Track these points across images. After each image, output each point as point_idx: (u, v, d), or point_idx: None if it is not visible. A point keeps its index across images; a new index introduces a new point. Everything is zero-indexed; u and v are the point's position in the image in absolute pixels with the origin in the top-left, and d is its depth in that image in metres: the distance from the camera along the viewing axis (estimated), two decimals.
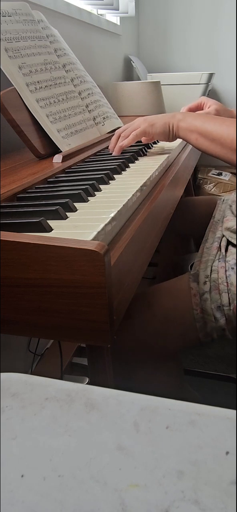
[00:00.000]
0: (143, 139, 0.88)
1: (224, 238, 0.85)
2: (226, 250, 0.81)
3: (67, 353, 1.18)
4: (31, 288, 0.40)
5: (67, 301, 0.40)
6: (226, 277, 0.73)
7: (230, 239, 0.82)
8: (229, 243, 0.83)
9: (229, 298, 0.71)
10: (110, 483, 0.23)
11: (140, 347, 0.77)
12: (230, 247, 0.82)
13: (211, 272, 0.75)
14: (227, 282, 0.73)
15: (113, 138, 0.87)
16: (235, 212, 0.91)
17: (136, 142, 0.89)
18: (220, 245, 0.83)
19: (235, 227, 0.83)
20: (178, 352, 0.87)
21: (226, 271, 0.74)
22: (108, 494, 0.22)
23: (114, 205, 0.51)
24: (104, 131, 1.05)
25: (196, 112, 0.92)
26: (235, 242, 0.81)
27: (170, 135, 0.82)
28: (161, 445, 0.25)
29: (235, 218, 0.88)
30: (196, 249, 1.35)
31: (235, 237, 0.82)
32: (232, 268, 0.74)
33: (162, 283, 0.83)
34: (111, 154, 0.87)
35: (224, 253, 0.80)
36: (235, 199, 1.04)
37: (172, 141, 0.84)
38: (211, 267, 0.76)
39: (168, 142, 1.00)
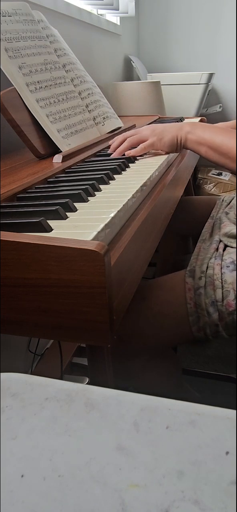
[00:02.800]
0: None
1: (222, 242, 0.86)
2: (224, 250, 0.82)
3: (67, 353, 1.18)
4: (31, 288, 0.40)
5: (67, 301, 0.40)
6: (221, 274, 0.74)
7: (228, 243, 0.83)
8: (226, 246, 0.84)
9: (222, 294, 0.72)
10: (110, 483, 0.23)
11: (134, 339, 0.78)
12: (227, 248, 0.83)
13: (207, 269, 0.77)
14: (221, 279, 0.74)
15: (119, 139, 0.86)
16: (231, 219, 0.92)
17: None
18: (218, 246, 0.84)
19: (232, 231, 0.84)
20: (172, 347, 0.88)
21: (221, 268, 0.75)
22: (108, 494, 0.22)
23: (114, 205, 0.51)
24: (104, 131, 1.05)
25: (204, 123, 0.92)
26: (232, 246, 0.82)
27: (178, 148, 0.83)
28: (161, 445, 0.25)
29: (232, 224, 0.89)
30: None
31: (233, 241, 0.83)
32: (228, 267, 0.75)
33: (159, 277, 0.84)
34: (111, 154, 0.87)
35: (221, 252, 0.81)
36: (232, 205, 1.05)
37: (179, 152, 0.85)
38: (207, 263, 0.78)
39: None
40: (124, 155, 0.84)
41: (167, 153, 0.84)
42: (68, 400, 0.29)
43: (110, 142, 0.90)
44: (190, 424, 0.26)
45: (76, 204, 0.53)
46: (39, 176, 0.68)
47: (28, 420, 0.27)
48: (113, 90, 1.66)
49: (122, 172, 0.73)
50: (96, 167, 0.76)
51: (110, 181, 0.66)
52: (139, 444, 0.25)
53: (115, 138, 0.88)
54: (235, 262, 0.76)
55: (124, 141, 0.85)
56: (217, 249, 0.83)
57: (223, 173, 2.33)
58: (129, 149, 0.84)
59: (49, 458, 0.25)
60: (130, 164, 0.78)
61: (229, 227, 0.87)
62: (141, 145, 0.83)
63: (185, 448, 0.24)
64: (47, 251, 0.39)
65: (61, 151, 0.84)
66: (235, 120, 1.05)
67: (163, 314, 0.77)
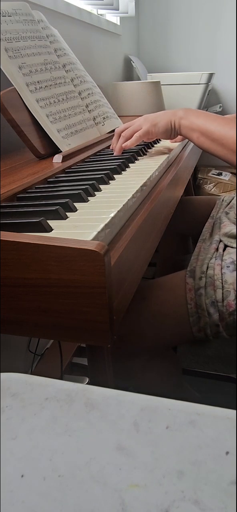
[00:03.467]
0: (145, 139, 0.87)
1: (222, 242, 0.85)
2: (224, 250, 0.82)
3: (67, 353, 1.18)
4: (31, 288, 0.40)
5: (67, 301, 0.40)
6: (222, 275, 0.74)
7: (228, 243, 0.83)
8: (226, 246, 0.84)
9: (223, 294, 0.72)
10: (110, 483, 0.23)
11: (134, 338, 0.78)
12: (228, 248, 0.83)
13: (207, 269, 0.77)
14: (222, 280, 0.74)
15: (114, 138, 0.87)
16: (231, 219, 0.92)
17: None
18: (218, 246, 0.84)
19: (232, 231, 0.84)
20: (172, 347, 0.88)
21: (222, 268, 0.75)
22: (108, 494, 0.22)
23: (114, 205, 0.51)
24: (104, 131, 1.05)
25: (200, 110, 0.92)
26: (232, 246, 0.82)
27: (172, 133, 0.82)
28: (161, 445, 0.25)
29: (232, 224, 0.89)
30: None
31: (233, 241, 0.83)
32: (228, 267, 0.75)
33: (159, 278, 0.84)
34: (111, 154, 0.87)
35: (221, 253, 0.81)
36: (232, 205, 1.05)
37: (174, 138, 0.84)
38: (208, 264, 0.78)
39: (168, 141, 1.00)
40: (124, 152, 0.84)
41: (162, 138, 0.83)
42: (68, 400, 0.29)
43: (111, 147, 0.90)
44: (190, 424, 0.26)
45: (76, 204, 0.53)
46: (39, 176, 0.68)
47: (28, 420, 0.27)
48: (113, 90, 1.65)
49: (122, 172, 0.73)
50: (96, 167, 0.76)
51: (110, 181, 0.66)
52: (139, 444, 0.25)
53: (112, 139, 0.89)
54: (235, 262, 0.76)
55: (118, 138, 0.85)
56: (217, 249, 0.83)
57: (223, 173, 2.33)
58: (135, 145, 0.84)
59: (49, 458, 0.25)
60: (130, 164, 0.78)
61: (229, 227, 0.87)
62: (135, 134, 0.82)
63: (185, 448, 0.24)
64: (47, 251, 0.39)
65: (61, 151, 0.84)
66: (235, 114, 1.05)
67: (163, 314, 0.77)
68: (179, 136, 0.85)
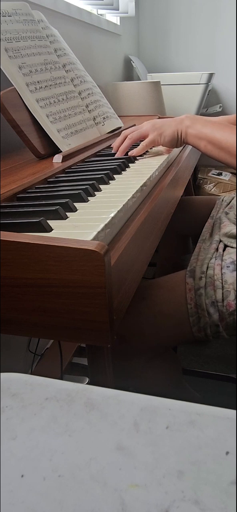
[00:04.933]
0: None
1: (222, 242, 0.86)
2: (224, 250, 0.82)
3: (67, 353, 1.18)
4: (31, 288, 0.40)
5: (67, 301, 0.40)
6: (222, 275, 0.74)
7: (228, 243, 0.83)
8: (226, 246, 0.84)
9: (223, 294, 0.72)
10: (110, 483, 0.23)
11: (134, 338, 0.78)
12: (227, 248, 0.83)
13: (207, 269, 0.77)
14: (222, 280, 0.74)
15: (119, 138, 0.87)
16: (231, 219, 0.92)
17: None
18: (217, 246, 0.84)
19: (232, 231, 0.84)
20: (172, 347, 0.88)
21: (222, 268, 0.75)
22: (108, 494, 0.22)
23: (114, 205, 0.51)
24: (104, 131, 1.05)
25: (205, 117, 0.92)
26: (232, 246, 0.82)
27: (178, 142, 0.82)
28: (161, 445, 0.25)
29: (232, 224, 0.89)
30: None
31: (233, 241, 0.83)
32: (228, 267, 0.75)
33: (159, 278, 0.84)
34: (111, 154, 0.87)
35: (221, 253, 0.81)
36: (232, 205, 1.05)
37: (180, 146, 0.84)
38: (208, 264, 0.78)
39: None
40: (126, 153, 0.84)
41: (168, 148, 0.84)
42: (68, 400, 0.29)
43: (112, 145, 0.90)
44: (190, 424, 0.26)
45: (76, 204, 0.53)
46: (39, 176, 0.68)
47: (28, 420, 0.27)
48: (113, 90, 1.65)
49: (122, 172, 0.73)
50: (96, 167, 0.76)
51: (110, 181, 0.66)
52: (139, 444, 0.25)
53: (116, 139, 0.89)
54: (235, 262, 0.76)
55: (124, 139, 0.85)
56: (217, 249, 0.83)
57: (223, 173, 2.33)
58: (131, 146, 0.84)
59: (49, 458, 0.25)
60: (130, 164, 0.78)
61: (229, 227, 0.87)
62: (142, 144, 0.83)
63: (185, 448, 0.24)
64: (47, 251, 0.39)
65: (61, 151, 0.84)
66: (236, 115, 1.05)
67: (163, 314, 0.77)
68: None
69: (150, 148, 0.94)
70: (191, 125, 0.79)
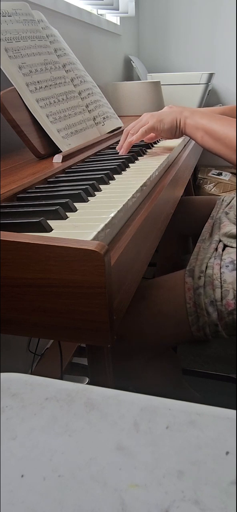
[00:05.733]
0: (150, 136, 0.87)
1: (221, 242, 0.86)
2: (223, 250, 0.82)
3: (67, 353, 1.18)
4: (31, 288, 0.40)
5: (67, 301, 0.40)
6: (221, 274, 0.74)
7: (228, 243, 0.83)
8: (226, 246, 0.84)
9: (221, 294, 0.72)
10: (110, 483, 0.23)
11: (133, 338, 0.78)
12: (227, 248, 0.83)
13: (206, 268, 0.77)
14: (221, 279, 0.74)
15: (122, 137, 0.87)
16: (231, 219, 0.92)
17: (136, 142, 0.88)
18: (217, 246, 0.84)
19: (232, 231, 0.84)
20: (172, 346, 0.88)
21: (221, 268, 0.75)
22: (108, 494, 0.22)
23: (114, 205, 0.51)
24: (104, 131, 1.05)
25: (204, 108, 0.92)
26: (232, 246, 0.82)
27: (177, 132, 0.82)
28: (161, 445, 0.25)
29: (232, 224, 0.89)
30: None
31: (233, 241, 0.83)
32: (227, 266, 0.75)
33: (158, 277, 0.84)
34: (111, 154, 0.87)
35: (221, 252, 0.81)
36: (232, 205, 1.05)
37: (178, 137, 0.84)
38: (207, 263, 0.78)
39: (168, 141, 1.00)
40: (129, 151, 0.84)
41: (166, 138, 0.84)
42: (68, 400, 0.29)
43: (117, 148, 0.89)
44: (190, 424, 0.26)
45: (76, 204, 0.53)
46: (39, 176, 0.68)
47: (28, 420, 0.27)
48: (113, 90, 1.65)
49: (122, 172, 0.73)
50: (96, 167, 0.76)
51: (110, 181, 0.66)
52: (139, 444, 0.25)
53: (120, 139, 0.88)
54: (235, 262, 0.76)
55: (127, 136, 0.85)
56: (216, 249, 0.83)
57: (223, 173, 2.33)
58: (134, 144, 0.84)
59: (49, 458, 0.25)
60: (130, 164, 0.78)
61: (229, 227, 0.87)
62: (141, 129, 0.82)
63: (185, 448, 0.24)
64: (47, 251, 0.39)
65: (61, 151, 0.84)
66: (235, 106, 1.04)
67: (163, 314, 0.77)
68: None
69: (149, 148, 0.94)
70: (189, 115, 0.80)
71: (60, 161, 0.79)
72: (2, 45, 0.83)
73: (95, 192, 0.60)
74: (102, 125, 1.05)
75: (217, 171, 2.35)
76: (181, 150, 1.01)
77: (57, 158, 0.79)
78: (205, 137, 0.77)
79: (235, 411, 0.27)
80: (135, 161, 0.82)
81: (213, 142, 0.76)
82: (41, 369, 1.17)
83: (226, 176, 2.31)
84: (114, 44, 1.97)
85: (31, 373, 1.16)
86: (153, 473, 0.23)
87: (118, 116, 1.17)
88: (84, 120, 0.97)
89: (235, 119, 0.75)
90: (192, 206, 1.28)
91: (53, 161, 0.79)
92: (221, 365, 1.39)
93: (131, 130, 0.84)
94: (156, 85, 1.64)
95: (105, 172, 0.68)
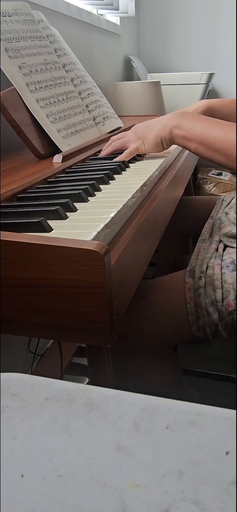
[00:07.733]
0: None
1: (222, 243, 0.86)
2: (224, 250, 0.82)
3: (67, 353, 1.18)
4: (31, 288, 0.40)
5: (67, 301, 0.40)
6: (221, 274, 0.74)
7: (228, 243, 0.83)
8: (226, 246, 0.84)
9: (222, 294, 0.72)
10: (110, 483, 0.23)
11: (133, 338, 0.78)
12: (227, 248, 0.83)
13: (207, 268, 0.77)
14: (221, 279, 0.74)
15: (107, 143, 0.87)
16: (231, 219, 0.92)
17: None
18: (217, 246, 0.84)
19: (232, 231, 0.84)
20: (172, 346, 0.88)
21: (221, 268, 0.75)
22: (108, 494, 0.22)
23: (114, 205, 0.51)
24: (104, 131, 1.05)
25: (193, 112, 0.89)
26: (232, 246, 0.82)
27: (164, 146, 0.77)
28: (161, 445, 0.25)
29: (232, 224, 0.89)
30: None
31: (233, 241, 0.83)
32: (228, 267, 0.75)
33: (158, 277, 0.84)
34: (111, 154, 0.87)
35: (221, 252, 0.81)
36: (232, 205, 1.05)
37: (167, 149, 0.80)
38: (207, 264, 0.78)
39: None
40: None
41: (155, 152, 0.81)
42: (68, 400, 0.29)
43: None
44: (190, 424, 0.26)
45: (76, 204, 0.53)
46: (39, 176, 0.68)
47: (28, 420, 0.27)
48: (113, 90, 1.65)
49: (122, 172, 0.73)
50: (96, 167, 0.76)
51: (110, 181, 0.66)
52: (139, 444, 0.25)
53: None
54: (235, 262, 0.76)
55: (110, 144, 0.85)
56: (217, 249, 0.83)
57: (223, 173, 2.33)
58: (113, 153, 0.83)
59: (49, 458, 0.25)
60: (130, 164, 0.78)
61: (229, 227, 0.87)
62: (126, 151, 0.80)
63: (185, 448, 0.24)
64: (47, 251, 0.39)
65: (61, 151, 0.84)
66: (235, 99, 1.01)
67: (163, 314, 0.77)
68: None
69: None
70: (177, 124, 0.73)
71: (60, 161, 0.79)
72: (2, 45, 0.83)
73: (95, 192, 0.60)
74: (102, 125, 1.05)
75: (217, 171, 2.35)
76: (181, 150, 1.01)
77: (57, 158, 0.79)
78: (200, 148, 0.70)
79: (235, 411, 0.27)
80: (135, 161, 0.82)
81: (210, 153, 0.69)
82: (41, 369, 1.17)
83: (226, 176, 2.31)
84: (114, 44, 1.97)
85: (31, 373, 1.16)
86: (153, 473, 0.23)
87: (118, 116, 1.17)
88: (84, 120, 0.97)
89: (233, 123, 0.71)
90: (192, 206, 1.28)
91: (53, 161, 0.79)
92: (221, 365, 1.39)
93: (113, 143, 0.83)
94: (156, 85, 1.64)
95: (105, 172, 0.68)
